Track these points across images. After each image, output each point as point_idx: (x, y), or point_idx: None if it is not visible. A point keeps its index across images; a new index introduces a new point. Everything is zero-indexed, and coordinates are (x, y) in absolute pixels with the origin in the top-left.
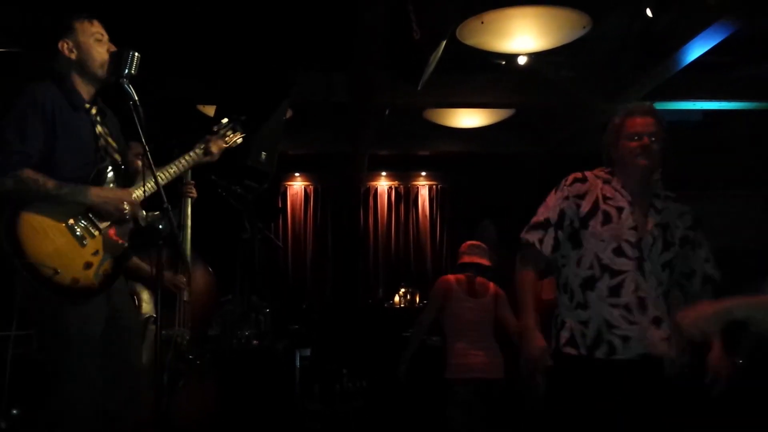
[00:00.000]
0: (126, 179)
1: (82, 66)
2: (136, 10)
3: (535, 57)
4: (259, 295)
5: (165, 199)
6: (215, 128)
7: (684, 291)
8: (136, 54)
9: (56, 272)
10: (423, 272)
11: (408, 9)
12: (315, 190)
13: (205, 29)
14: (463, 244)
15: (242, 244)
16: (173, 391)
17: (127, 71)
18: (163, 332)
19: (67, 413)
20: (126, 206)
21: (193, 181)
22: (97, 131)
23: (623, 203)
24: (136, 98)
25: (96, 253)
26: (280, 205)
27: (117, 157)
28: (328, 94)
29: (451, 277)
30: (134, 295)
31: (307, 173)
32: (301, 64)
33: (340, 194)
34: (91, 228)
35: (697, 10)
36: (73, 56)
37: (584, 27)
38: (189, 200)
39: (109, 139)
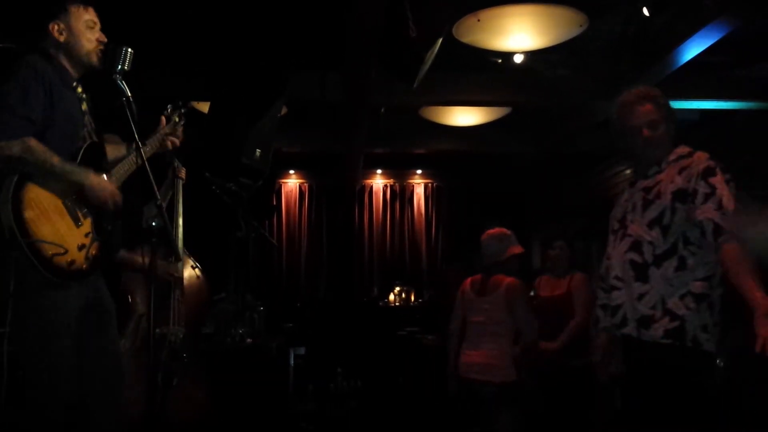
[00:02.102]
0: (100, 160)
1: (69, 50)
2: (130, 6)
3: (531, 55)
4: (253, 293)
5: (158, 196)
6: (166, 113)
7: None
8: (130, 50)
9: (62, 252)
10: (418, 271)
11: (404, 6)
12: (310, 187)
13: (200, 26)
14: (483, 236)
15: (236, 242)
16: (167, 390)
17: (120, 67)
18: (157, 330)
19: (41, 403)
20: (113, 203)
21: (183, 167)
22: (83, 108)
23: (629, 186)
24: (129, 94)
25: (87, 234)
26: (274, 203)
27: (94, 137)
28: (322, 92)
29: (468, 279)
30: (127, 293)
31: (301, 171)
32: (296, 61)
33: (335, 192)
34: (83, 209)
35: (693, 10)
36: (61, 39)
37: (581, 26)
38: (180, 184)
39: (90, 118)
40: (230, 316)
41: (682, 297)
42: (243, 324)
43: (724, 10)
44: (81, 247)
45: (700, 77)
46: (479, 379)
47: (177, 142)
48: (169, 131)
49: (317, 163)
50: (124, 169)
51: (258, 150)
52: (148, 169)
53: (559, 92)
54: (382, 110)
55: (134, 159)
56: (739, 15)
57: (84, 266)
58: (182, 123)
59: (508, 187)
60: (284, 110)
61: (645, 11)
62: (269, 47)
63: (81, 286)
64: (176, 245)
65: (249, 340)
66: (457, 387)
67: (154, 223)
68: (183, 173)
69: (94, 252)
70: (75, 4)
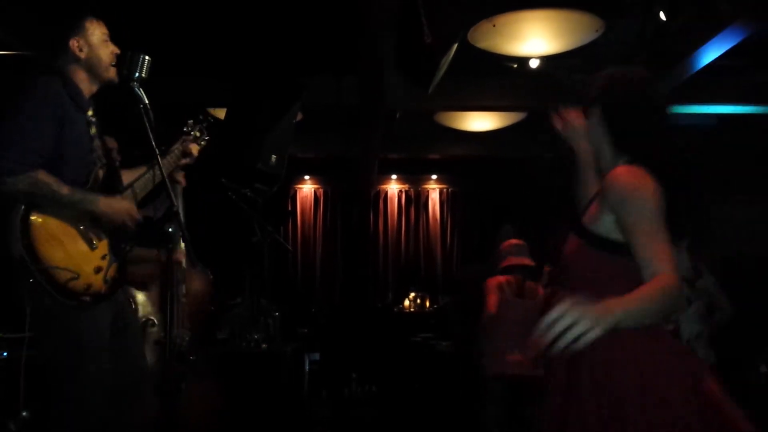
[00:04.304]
0: (113, 182)
1: (90, 66)
2: (148, 14)
3: (547, 60)
4: (268, 298)
5: (175, 202)
6: (186, 129)
7: None
8: (147, 57)
9: (75, 277)
10: (433, 276)
11: (419, 12)
12: (325, 193)
13: (216, 33)
14: (505, 243)
15: (252, 248)
16: (177, 394)
17: (137, 74)
18: (162, 334)
19: (80, 418)
20: (131, 220)
21: (182, 171)
22: (92, 132)
23: None
24: (147, 101)
25: (104, 257)
26: (289, 208)
27: (103, 159)
28: (338, 97)
29: (501, 278)
30: (130, 297)
31: (317, 176)
32: (311, 66)
33: (350, 197)
34: (98, 231)
35: (710, 14)
36: (82, 55)
37: (597, 30)
38: (180, 189)
39: (99, 141)
40: (245, 321)
41: None
42: (258, 329)
43: (740, 14)
44: (98, 270)
45: (718, 81)
46: (526, 373)
47: (193, 158)
48: (190, 145)
49: (332, 169)
50: (143, 183)
51: (274, 156)
52: (167, 179)
53: (575, 97)
54: (397, 115)
55: (153, 173)
56: (755, 19)
57: (103, 289)
58: (204, 138)
59: (523, 192)
60: (300, 116)
61: (662, 15)
62: (285, 53)
63: (106, 304)
64: (191, 251)
65: (264, 345)
66: (495, 385)
67: (170, 229)
68: (182, 177)
69: (113, 273)
70: (90, 19)
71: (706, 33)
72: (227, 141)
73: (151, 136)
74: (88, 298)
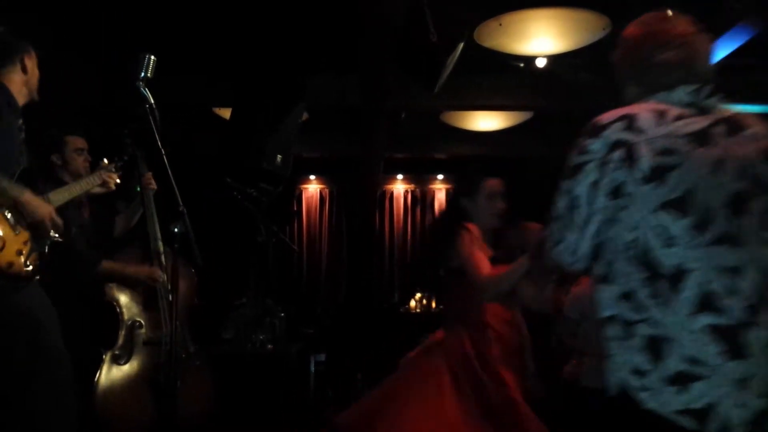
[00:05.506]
0: (34, 185)
1: (29, 83)
2: (152, 14)
3: (553, 59)
4: (274, 298)
5: (181, 202)
6: (107, 163)
7: None
8: (153, 57)
9: (2, 246)
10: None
11: (425, 11)
12: (330, 193)
13: (220, 34)
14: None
15: (257, 247)
16: (174, 392)
17: (143, 74)
18: (150, 335)
19: (51, 392)
20: (49, 222)
21: (150, 172)
22: (21, 137)
23: None
24: (152, 101)
25: (26, 243)
26: (295, 208)
27: (27, 163)
28: (342, 97)
29: None
30: (113, 301)
31: (322, 176)
32: (315, 66)
33: (356, 197)
34: (21, 221)
35: (718, 12)
36: (27, 72)
37: (603, 29)
38: (151, 194)
39: (25, 147)
40: (250, 322)
41: None
42: (263, 329)
43: (748, 12)
44: (19, 252)
45: (726, 80)
46: None
47: (109, 189)
48: (108, 176)
49: (338, 169)
50: (60, 195)
51: (279, 156)
52: (172, 177)
53: (582, 96)
54: (403, 115)
55: (93, 179)
56: (763, 17)
57: (23, 271)
58: (118, 175)
59: (530, 192)
60: (305, 116)
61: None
62: (289, 53)
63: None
64: (197, 251)
65: (269, 345)
66: None
67: (176, 229)
68: (151, 180)
69: (34, 260)
70: (36, 51)
71: (714, 31)
72: (232, 141)
73: (157, 137)
74: (10, 277)
